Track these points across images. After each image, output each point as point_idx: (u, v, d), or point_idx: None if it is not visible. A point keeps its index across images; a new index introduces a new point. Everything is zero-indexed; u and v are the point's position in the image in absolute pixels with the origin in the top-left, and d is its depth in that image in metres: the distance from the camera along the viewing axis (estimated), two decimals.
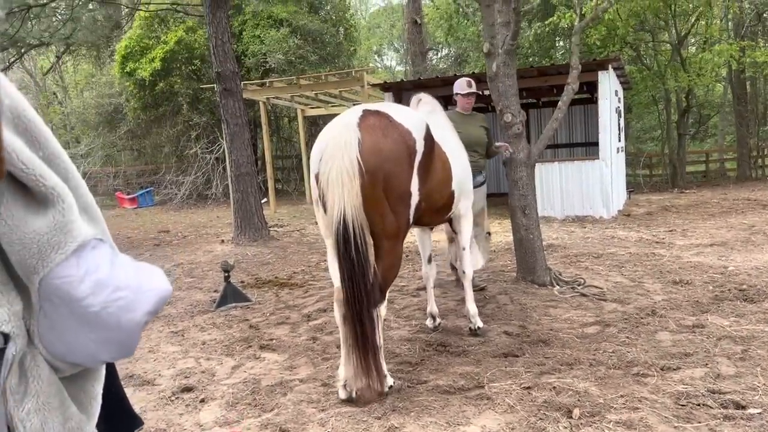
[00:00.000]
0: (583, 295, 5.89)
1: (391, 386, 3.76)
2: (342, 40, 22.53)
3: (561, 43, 21.38)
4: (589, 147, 15.79)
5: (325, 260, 8.37)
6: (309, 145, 22.01)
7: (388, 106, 3.72)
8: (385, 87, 13.56)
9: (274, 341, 5.00)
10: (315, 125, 23.67)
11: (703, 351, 4.17)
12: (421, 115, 3.87)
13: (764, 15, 22.68)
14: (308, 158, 19.57)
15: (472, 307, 4.85)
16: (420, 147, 3.57)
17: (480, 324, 4.84)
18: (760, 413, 3.17)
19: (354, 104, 17.94)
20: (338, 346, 4.61)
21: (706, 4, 18.09)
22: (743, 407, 3.26)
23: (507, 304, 5.70)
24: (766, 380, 3.60)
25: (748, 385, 3.55)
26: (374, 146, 3.31)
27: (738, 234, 9.17)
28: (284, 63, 18.76)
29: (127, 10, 20.31)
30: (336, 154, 3.25)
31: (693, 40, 22.57)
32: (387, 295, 3.69)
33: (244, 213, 10.27)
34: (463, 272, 4.91)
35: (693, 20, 19.45)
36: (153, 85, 19.84)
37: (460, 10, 11.98)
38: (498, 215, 12.17)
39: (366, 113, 3.47)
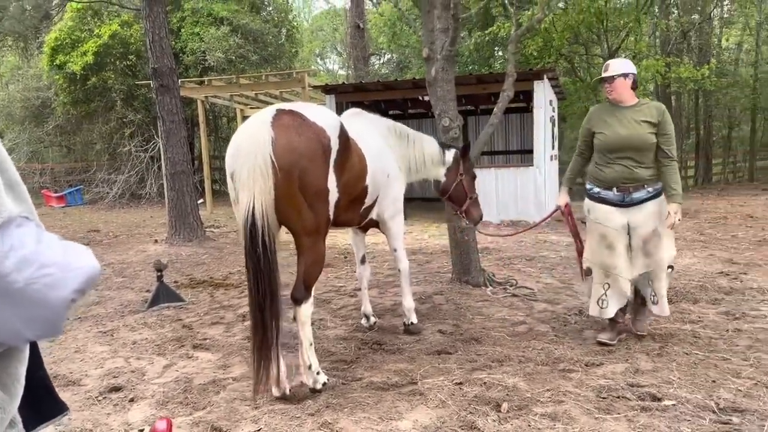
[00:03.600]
0: (515, 295, 6.07)
1: (325, 383, 3.78)
2: (284, 41, 22.37)
3: (500, 53, 21.89)
4: (524, 154, 16.26)
5: None
6: None
7: (302, 105, 3.73)
8: (327, 89, 13.57)
9: (207, 341, 4.92)
10: None
11: (625, 348, 4.38)
12: (334, 115, 3.92)
13: (689, 33, 24.00)
14: None
15: (408, 301, 4.93)
16: (335, 144, 3.64)
17: (414, 320, 4.93)
18: (674, 404, 3.36)
19: None
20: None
21: (635, 20, 18.98)
22: (659, 399, 3.45)
23: (442, 303, 5.81)
24: (681, 374, 3.82)
25: (664, 378, 3.76)
26: (288, 144, 3.37)
27: None
28: (224, 62, 18.47)
29: (58, 0, 19.52)
30: (250, 152, 3.31)
31: (624, 55, 23.58)
32: (313, 292, 3.76)
33: (179, 212, 10.04)
34: (399, 270, 4.95)
35: (623, 36, 20.34)
36: (84, 79, 19.13)
37: (403, 17, 12.14)
38: (436, 219, 12.36)
39: (280, 113, 3.52)
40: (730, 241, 9.31)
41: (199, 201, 16.13)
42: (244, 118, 18.70)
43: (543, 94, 11.97)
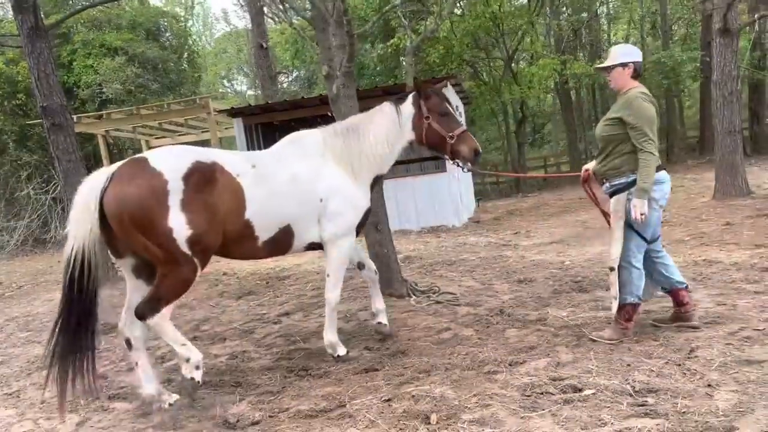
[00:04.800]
0: (438, 302, 6.12)
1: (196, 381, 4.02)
2: (185, 66, 21.83)
3: (404, 63, 22.27)
4: (438, 161, 16.53)
5: (188, 299, 8.01)
6: None
7: (157, 151, 4.14)
8: (233, 113, 13.32)
9: (124, 389, 4.66)
10: None
11: (545, 342, 4.50)
12: (188, 157, 4.04)
13: (579, 31, 25.28)
14: None
15: (330, 335, 4.74)
16: (177, 187, 3.86)
17: (341, 352, 4.72)
18: (594, 393, 3.47)
19: (202, 131, 17.49)
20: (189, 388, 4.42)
21: (529, 22, 19.82)
22: (580, 390, 3.54)
23: (367, 319, 5.77)
24: (599, 362, 3.95)
25: (584, 368, 3.88)
26: (117, 193, 3.79)
27: (573, 231, 10.05)
28: (123, 93, 17.81)
29: None
30: (79, 202, 3.88)
31: (524, 56, 24.57)
32: (163, 309, 3.94)
33: None
34: (325, 299, 4.78)
35: (520, 37, 21.19)
36: None
37: (300, 35, 12.15)
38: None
39: (124, 163, 4.00)
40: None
41: None
42: (150, 149, 18.10)
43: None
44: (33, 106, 17.81)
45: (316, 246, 4.70)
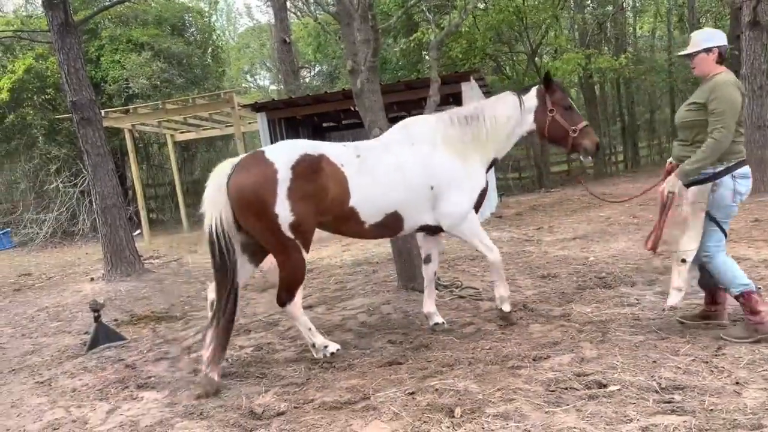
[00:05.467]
0: (461, 297, 6.12)
1: (334, 352, 4.60)
2: (209, 61, 22.02)
3: (428, 57, 22.21)
4: None
5: (204, 289, 8.11)
6: (182, 170, 21.24)
7: (278, 145, 4.67)
8: (257, 108, 13.41)
9: (152, 379, 4.75)
10: (187, 150, 22.92)
11: (569, 338, 4.48)
12: (298, 149, 4.48)
13: (604, 25, 24.96)
14: (182, 184, 18.92)
15: (500, 290, 4.98)
16: (285, 176, 4.31)
17: (506, 308, 4.97)
18: (619, 389, 3.45)
19: (226, 126, 17.65)
20: (222, 375, 4.50)
21: (553, 16, 19.61)
22: (605, 386, 3.53)
23: (390, 313, 5.80)
24: (624, 358, 3.92)
25: (609, 364, 3.86)
26: (236, 182, 4.32)
27: (597, 226, 9.96)
28: (149, 88, 18.02)
29: None
30: (210, 185, 4.43)
31: (547, 50, 24.32)
32: (296, 297, 4.55)
33: (114, 247, 9.69)
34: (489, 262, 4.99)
35: (543, 31, 20.98)
36: (1, 118, 18.30)
37: (324, 29, 12.14)
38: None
39: (246, 155, 4.58)
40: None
41: (136, 233, 15.65)
42: (175, 143, 18.31)
43: (472, 95, 12.17)
44: (62, 100, 18.15)
45: (429, 228, 4.92)
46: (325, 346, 4.65)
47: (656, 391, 3.37)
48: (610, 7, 24.84)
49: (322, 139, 17.51)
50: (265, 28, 37.01)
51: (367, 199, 4.57)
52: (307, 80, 30.51)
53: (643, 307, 5.08)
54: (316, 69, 30.88)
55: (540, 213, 13.20)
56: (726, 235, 4.16)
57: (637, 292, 5.55)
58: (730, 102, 3.92)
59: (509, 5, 18.39)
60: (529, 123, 4.92)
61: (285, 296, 4.55)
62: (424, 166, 4.70)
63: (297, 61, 24.76)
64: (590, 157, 4.97)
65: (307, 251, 4.52)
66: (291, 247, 4.40)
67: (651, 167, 22.04)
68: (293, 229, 4.35)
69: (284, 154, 4.42)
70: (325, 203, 4.45)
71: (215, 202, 4.34)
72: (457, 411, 3.41)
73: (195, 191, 23.62)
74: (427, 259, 5.26)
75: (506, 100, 4.94)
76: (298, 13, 24.22)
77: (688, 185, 4.13)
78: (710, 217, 4.05)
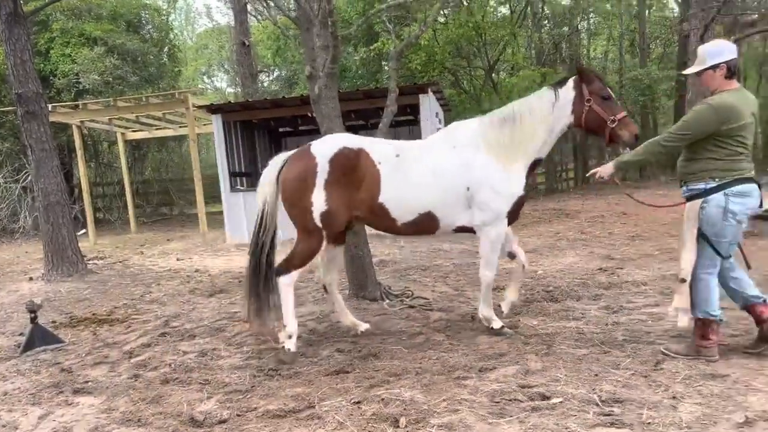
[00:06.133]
0: (412, 306, 6.14)
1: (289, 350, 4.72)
2: (165, 60, 21.58)
3: (387, 67, 22.32)
4: None
5: (150, 292, 7.92)
6: (132, 170, 20.69)
7: (328, 138, 5.04)
8: (212, 109, 13.20)
9: (89, 383, 4.57)
10: (138, 149, 22.36)
11: (515, 350, 4.53)
12: (339, 143, 4.78)
13: (560, 45, 25.60)
14: (132, 184, 18.40)
15: (484, 309, 5.04)
16: (324, 168, 4.65)
17: (497, 325, 4.98)
18: (561, 402, 3.51)
19: (180, 126, 17.30)
20: (164, 381, 4.43)
21: (511, 34, 20.02)
22: (548, 398, 3.58)
23: (340, 321, 5.75)
24: (567, 371, 3.99)
25: (552, 377, 3.92)
26: (284, 173, 4.81)
27: (546, 241, 10.15)
28: (100, 84, 17.49)
29: None
30: (265, 173, 4.97)
31: (504, 66, 24.76)
32: (293, 274, 4.79)
33: (55, 246, 9.35)
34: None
35: (501, 48, 21.38)
36: None
37: (283, 34, 11.99)
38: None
39: (299, 148, 4.96)
40: (608, 238, 9.96)
41: (81, 232, 15.16)
42: (126, 142, 17.84)
43: (429, 107, 12.28)
44: (7, 92, 17.43)
45: (466, 229, 4.93)
46: (290, 336, 4.78)
47: (597, 404, 3.43)
48: (565, 28, 25.51)
49: (278, 144, 17.37)
50: (224, 29, 36.50)
51: (398, 198, 4.72)
52: (265, 84, 30.23)
53: (587, 321, 5.19)
54: (275, 73, 30.63)
55: None
56: (722, 257, 4.00)
57: (582, 306, 5.67)
58: (697, 118, 3.89)
59: (469, 21, 18.69)
60: (567, 115, 4.79)
61: (284, 269, 4.81)
62: (463, 168, 4.74)
63: (256, 65, 24.50)
64: (628, 149, 4.65)
65: (330, 242, 4.84)
66: (315, 233, 4.73)
67: (599, 185, 22.59)
68: (323, 218, 4.68)
69: (325, 147, 4.76)
70: (357, 197, 4.70)
71: (264, 188, 4.89)
72: (402, 421, 3.40)
73: (145, 192, 23.05)
74: (511, 256, 5.30)
75: (541, 96, 4.85)
76: (259, 16, 24.02)
77: (687, 199, 4.07)
78: (700, 234, 3.98)
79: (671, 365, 3.96)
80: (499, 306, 5.35)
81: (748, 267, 4.21)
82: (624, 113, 4.67)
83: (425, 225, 4.85)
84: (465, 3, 19.86)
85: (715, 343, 4.03)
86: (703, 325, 4.03)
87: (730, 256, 4.06)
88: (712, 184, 3.91)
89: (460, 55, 20.98)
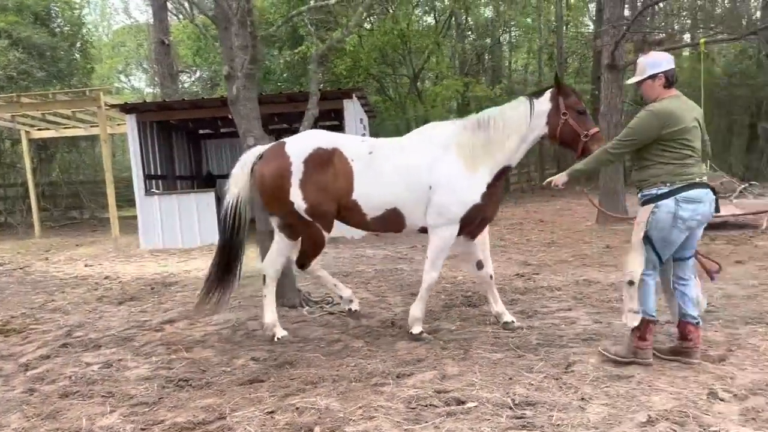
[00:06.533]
0: (331, 313, 6.05)
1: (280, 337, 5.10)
2: (77, 56, 20.54)
3: (310, 70, 22.17)
4: None
5: (52, 300, 7.44)
6: (38, 171, 19.49)
7: (300, 135, 5.28)
8: (126, 109, 12.64)
9: None
10: (45, 149, 21.11)
11: (433, 355, 4.53)
12: (315, 142, 4.97)
13: (482, 56, 26.29)
14: (37, 186, 17.33)
15: (415, 310, 5.09)
16: (298, 168, 4.86)
17: (416, 330, 5.01)
18: (476, 406, 3.52)
19: (91, 126, 16.46)
20: (63, 395, 4.15)
21: (435, 43, 20.36)
22: (463, 402, 3.58)
23: (257, 329, 5.59)
24: (483, 375, 4.02)
25: (468, 381, 3.93)
26: (258, 170, 5.01)
27: None
28: (2, 78, 16.42)
29: None
30: (237, 167, 5.17)
31: (429, 75, 25.15)
32: (310, 265, 5.35)
33: None
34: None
35: (426, 57, 21.70)
36: None
37: (201, 33, 11.52)
38: (249, 240, 12.01)
39: (270, 146, 5.17)
40: (525, 244, 10.23)
41: None
42: (31, 141, 16.80)
43: (353, 112, 12.27)
44: None
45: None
46: (351, 301, 5.58)
47: (510, 408, 3.46)
48: (488, 40, 26.22)
49: (197, 146, 16.87)
50: (143, 27, 35.19)
51: (368, 193, 4.89)
52: (186, 85, 29.34)
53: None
54: (197, 74, 29.79)
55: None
56: (661, 262, 4.07)
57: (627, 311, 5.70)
58: (640, 124, 3.98)
59: (394, 28, 18.86)
60: (541, 126, 4.82)
61: (302, 262, 5.32)
62: (429, 167, 4.82)
63: (176, 64, 23.73)
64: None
65: (329, 231, 5.05)
66: (311, 226, 4.98)
67: (518, 194, 23.33)
68: (310, 213, 4.90)
69: (300, 147, 4.95)
70: (333, 193, 4.89)
71: (235, 185, 5.06)
72: (316, 430, 3.31)
73: (52, 194, 21.75)
74: (479, 265, 5.29)
75: (517, 105, 4.88)
76: (179, 15, 23.27)
77: (642, 205, 4.10)
78: (645, 237, 4.00)
79: (581, 367, 4.07)
80: (506, 323, 5.21)
81: (720, 268, 4.32)
82: (597, 129, 4.75)
83: (392, 221, 5.00)
84: (390, 10, 20.03)
85: (650, 345, 4.08)
86: (644, 327, 4.05)
87: (685, 260, 4.15)
88: (664, 190, 3.94)
89: (386, 62, 21.14)
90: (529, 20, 27.35)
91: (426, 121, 22.14)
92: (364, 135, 13.82)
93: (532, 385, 3.80)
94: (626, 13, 14.10)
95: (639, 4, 16.30)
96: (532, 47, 29.00)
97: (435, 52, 21.81)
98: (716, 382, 3.69)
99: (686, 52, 22.74)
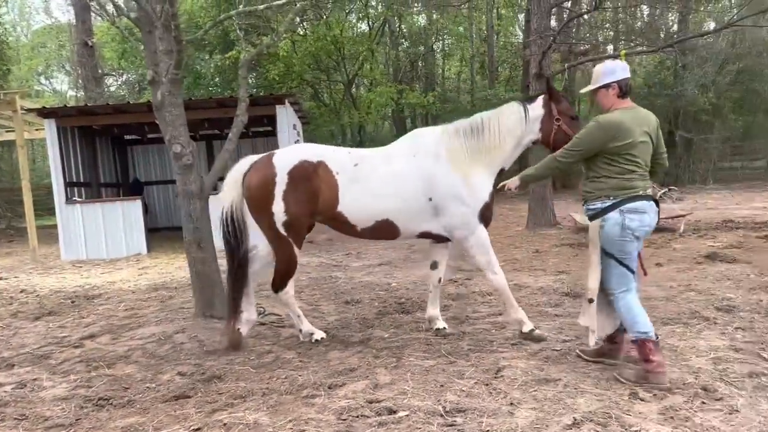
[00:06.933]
0: (262, 324, 5.91)
1: (318, 339, 5.15)
2: None
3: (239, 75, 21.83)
4: None
5: None
6: None
7: (287, 149, 5.27)
8: (44, 113, 12.04)
9: None
10: None
11: (366, 364, 4.50)
12: (299, 155, 4.97)
13: (416, 63, 26.58)
14: None
15: (515, 313, 4.97)
16: (282, 179, 4.85)
17: (527, 329, 4.89)
18: (407, 415, 3.50)
19: (6, 131, 15.57)
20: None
21: (369, 50, 20.43)
22: (395, 412, 3.56)
23: (184, 342, 5.40)
24: (414, 383, 4.02)
25: (400, 390, 3.92)
26: (247, 179, 4.99)
27: (401, 253, 10.35)
28: None
29: None
30: (229, 176, 5.13)
31: (363, 82, 25.21)
32: (286, 285, 5.10)
33: None
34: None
35: (360, 63, 21.75)
36: None
37: (123, 35, 10.99)
38: (178, 249, 11.68)
39: (261, 156, 5.15)
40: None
41: None
42: None
43: (286, 118, 12.12)
44: None
45: (431, 236, 5.08)
46: (311, 333, 5.20)
47: (441, 415, 3.47)
48: (421, 48, 26.55)
49: (123, 153, 16.27)
50: (64, 27, 33.69)
51: (356, 206, 4.87)
52: (112, 88, 28.31)
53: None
54: (123, 77, 28.78)
55: (350, 239, 13.43)
56: (632, 272, 3.96)
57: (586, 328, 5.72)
58: (585, 136, 3.96)
59: (327, 34, 18.80)
60: (535, 132, 4.87)
61: (278, 284, 5.09)
62: (422, 178, 4.82)
63: (101, 67, 22.84)
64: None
65: (299, 248, 5.03)
66: (284, 243, 4.93)
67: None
68: (286, 227, 4.88)
69: (286, 159, 4.95)
70: (317, 206, 4.89)
71: (229, 192, 5.04)
72: None
73: None
74: (433, 266, 5.31)
75: (511, 110, 4.89)
76: (102, 16, 22.38)
77: (589, 219, 4.06)
78: (606, 253, 3.95)
79: (510, 372, 4.12)
80: (438, 329, 5.23)
81: (645, 274, 4.26)
82: None
83: (385, 231, 5.00)
84: (324, 16, 19.97)
85: (659, 365, 3.78)
86: (640, 347, 3.86)
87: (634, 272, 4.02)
88: (608, 203, 3.92)
89: (320, 68, 21.06)
90: (461, 29, 27.88)
91: (361, 128, 22.27)
92: (297, 141, 13.67)
93: (463, 391, 3.82)
94: (553, 24, 14.60)
95: (565, 15, 16.92)
96: (464, 55, 29.57)
97: (369, 58, 21.91)
98: (636, 383, 3.81)
99: None
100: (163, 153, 16.22)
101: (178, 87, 5.72)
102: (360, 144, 23.29)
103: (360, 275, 8.46)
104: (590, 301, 4.06)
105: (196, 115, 12.04)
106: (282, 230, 4.88)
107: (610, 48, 22.72)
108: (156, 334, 5.72)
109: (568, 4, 18.62)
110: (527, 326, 4.91)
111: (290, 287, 5.11)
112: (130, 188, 15.74)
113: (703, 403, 3.51)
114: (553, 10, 15.60)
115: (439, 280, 5.36)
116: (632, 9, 17.37)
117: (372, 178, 4.88)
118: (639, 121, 3.94)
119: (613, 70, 4.02)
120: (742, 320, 5.15)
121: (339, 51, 19.77)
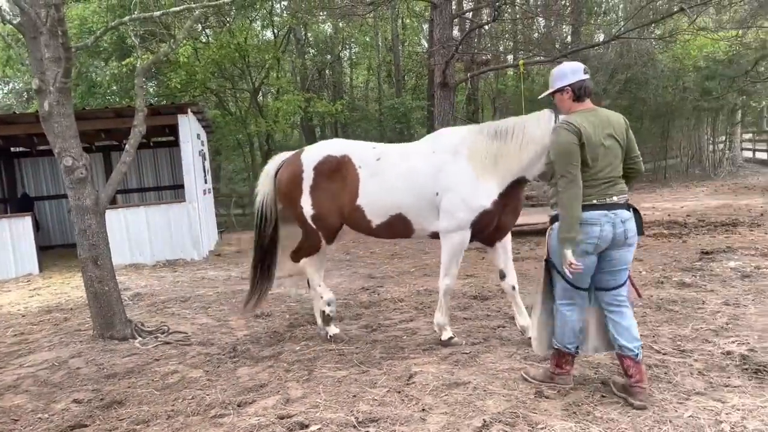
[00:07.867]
0: (167, 342, 5.67)
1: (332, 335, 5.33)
2: None
3: (136, 84, 20.95)
4: (177, 189, 15.72)
5: None
6: None
7: (318, 145, 5.52)
8: None
9: None
10: None
11: (277, 379, 4.40)
12: (324, 151, 5.24)
13: (323, 72, 26.54)
14: None
15: (439, 317, 5.01)
16: (309, 175, 5.17)
17: (445, 336, 4.94)
18: (319, 428, 3.45)
19: None
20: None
21: (274, 58, 20.18)
22: (307, 426, 3.51)
23: (80, 367, 5.08)
24: (327, 395, 3.97)
25: (312, 403, 3.86)
26: (279, 175, 5.42)
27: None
28: None
29: None
30: (263, 173, 5.64)
31: (270, 90, 24.82)
32: (304, 259, 5.51)
33: None
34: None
35: (266, 71, 21.40)
36: None
37: (5, 41, 9.98)
38: (74, 267, 11.01)
39: (294, 153, 5.54)
40: (370, 257, 10.40)
41: None
42: None
43: (188, 128, 11.71)
44: None
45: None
46: (328, 304, 5.42)
47: (354, 426, 3.45)
48: (328, 56, 26.53)
49: (10, 166, 15.20)
50: None
51: (373, 200, 5.00)
52: None
53: (348, 341, 5.27)
54: (10, 86, 26.88)
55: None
56: (575, 286, 3.70)
57: (343, 327, 5.75)
58: (558, 146, 3.57)
59: (231, 42, 18.40)
60: None
61: (296, 256, 5.59)
62: (436, 173, 4.81)
63: None
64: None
65: (329, 243, 5.36)
66: (313, 234, 5.29)
67: None
68: (314, 220, 5.21)
69: (312, 155, 5.25)
70: (342, 200, 5.08)
71: (264, 186, 5.50)
72: None
73: None
74: (501, 275, 5.09)
75: (540, 117, 4.53)
76: None
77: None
78: (551, 264, 3.78)
79: (422, 378, 4.16)
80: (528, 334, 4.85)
81: (639, 295, 4.08)
82: None
83: (399, 227, 5.07)
84: (226, 23, 19.54)
85: (567, 372, 3.85)
86: (557, 355, 3.86)
87: (586, 289, 3.75)
88: (554, 212, 3.70)
89: (224, 76, 20.54)
90: (367, 38, 28.11)
91: (269, 137, 21.86)
92: (202, 151, 13.27)
93: (376, 400, 3.82)
94: (455, 34, 15.02)
95: (467, 26, 17.46)
96: (371, 64, 29.81)
97: (275, 67, 21.63)
98: (542, 382, 3.95)
99: (511, 72, 24.72)
100: (55, 166, 15.25)
101: (67, 96, 5.39)
102: (269, 153, 22.92)
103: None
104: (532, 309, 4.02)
105: (91, 125, 11.41)
106: (311, 223, 5.23)
107: (510, 58, 23.63)
108: (49, 360, 5.34)
109: (470, 15, 19.23)
110: (447, 334, 4.96)
111: (304, 260, 5.52)
112: (17, 204, 14.67)
113: (603, 396, 3.68)
114: (455, 20, 16.08)
115: (513, 288, 5.04)
116: (529, 21, 18.14)
117: (390, 173, 5.00)
118: (602, 124, 3.61)
119: (564, 74, 3.76)
120: (635, 315, 5.45)
121: (244, 59, 19.35)
